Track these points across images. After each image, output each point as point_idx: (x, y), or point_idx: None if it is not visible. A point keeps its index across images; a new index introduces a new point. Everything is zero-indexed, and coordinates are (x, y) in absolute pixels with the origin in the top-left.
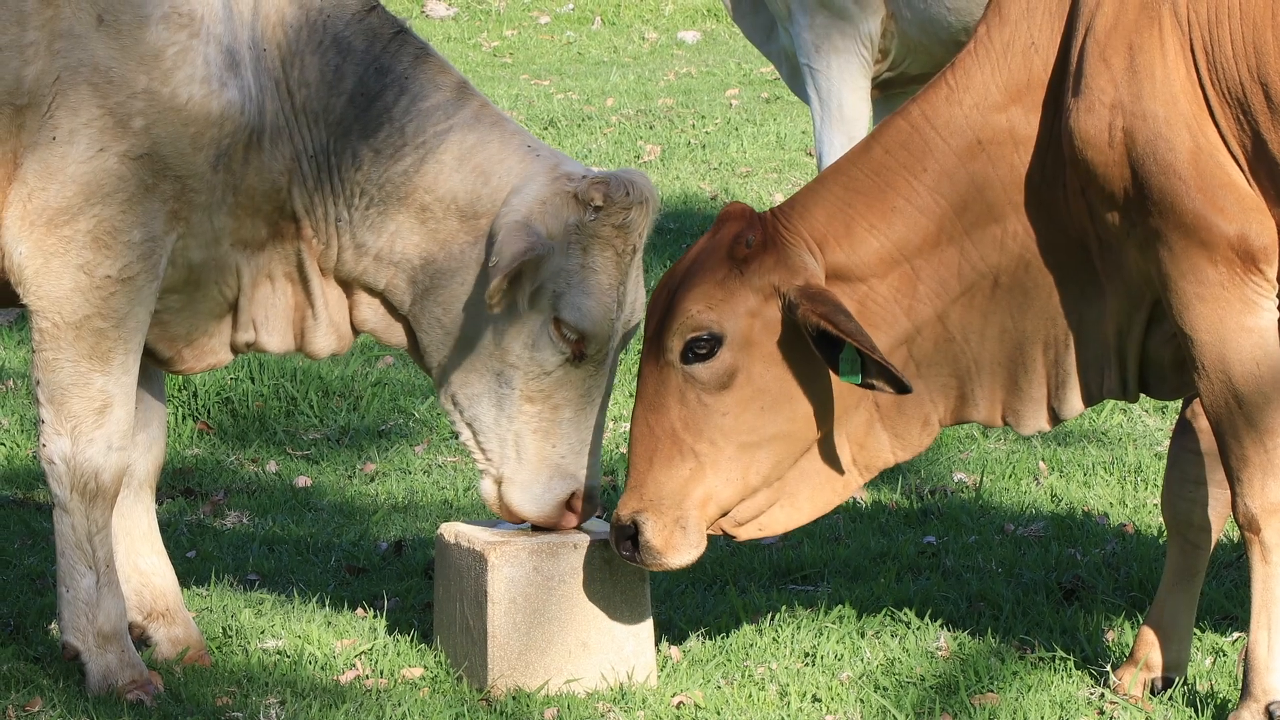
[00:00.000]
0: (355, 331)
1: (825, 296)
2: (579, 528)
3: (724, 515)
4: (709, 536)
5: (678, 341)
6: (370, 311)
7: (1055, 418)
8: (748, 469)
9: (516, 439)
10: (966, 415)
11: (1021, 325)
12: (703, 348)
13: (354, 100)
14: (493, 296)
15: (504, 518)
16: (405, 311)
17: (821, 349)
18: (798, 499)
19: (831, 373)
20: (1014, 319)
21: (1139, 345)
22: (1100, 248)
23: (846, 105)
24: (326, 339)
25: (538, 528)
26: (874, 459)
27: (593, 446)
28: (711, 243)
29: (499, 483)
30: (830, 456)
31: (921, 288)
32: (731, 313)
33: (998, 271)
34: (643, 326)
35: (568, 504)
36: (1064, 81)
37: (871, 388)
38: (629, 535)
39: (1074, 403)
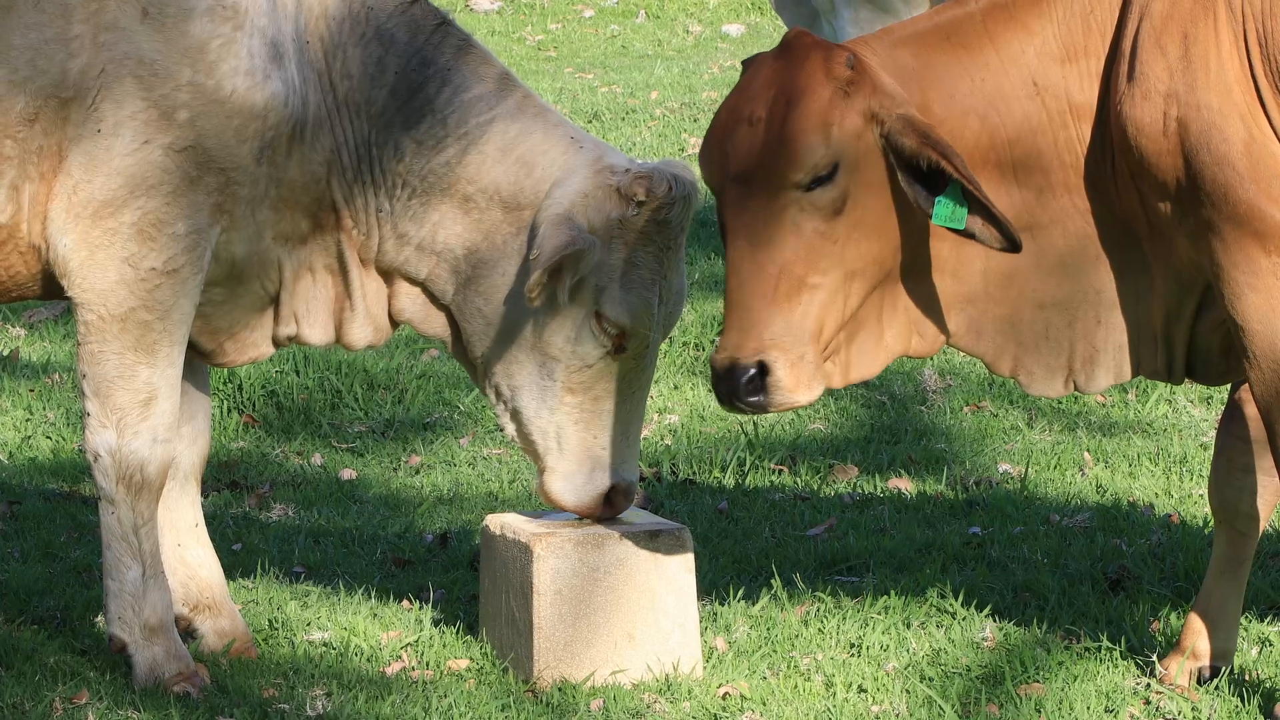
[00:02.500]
0: (394, 323)
1: (936, 132)
2: (621, 519)
3: (825, 349)
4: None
5: (797, 169)
6: (409, 301)
7: (1077, 389)
8: (847, 300)
9: (558, 430)
10: (976, 348)
11: (1049, 290)
12: (825, 172)
13: (396, 92)
14: (532, 290)
15: (546, 504)
16: (447, 301)
17: (913, 185)
18: (851, 351)
19: (915, 228)
20: (1041, 282)
21: (1188, 330)
22: (1150, 233)
23: None
24: (363, 330)
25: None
26: (895, 340)
27: (632, 439)
28: (799, 67)
29: (541, 471)
30: (878, 316)
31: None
32: (844, 136)
33: (1033, 226)
34: (715, 170)
35: (607, 497)
36: (1117, 63)
37: (971, 237)
38: (752, 378)
39: (1100, 380)
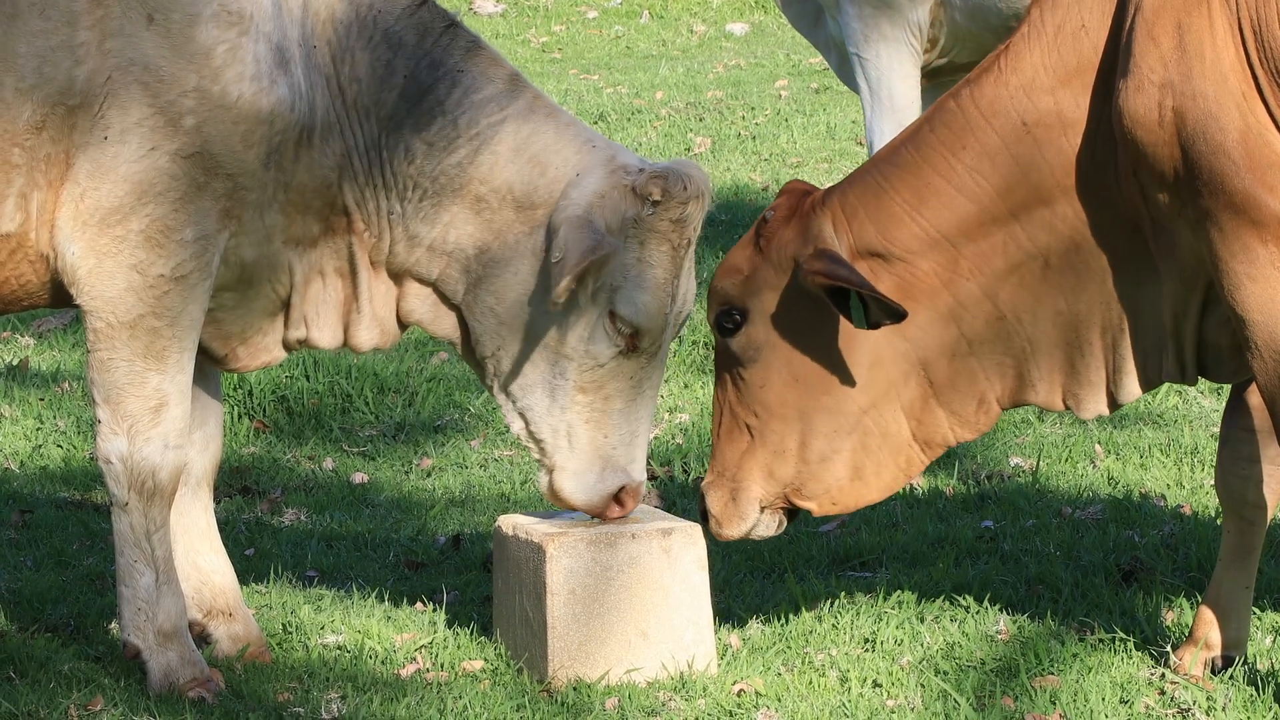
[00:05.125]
0: (402, 326)
1: (823, 253)
2: (632, 517)
3: (789, 488)
4: (804, 514)
5: (711, 316)
6: (418, 302)
7: (1114, 403)
8: (797, 442)
9: (569, 429)
10: (1025, 397)
11: (1075, 308)
12: (730, 322)
13: (405, 94)
14: (559, 297)
15: (554, 504)
16: (458, 301)
17: (837, 304)
18: (863, 473)
19: (872, 347)
20: (1068, 301)
21: (1195, 329)
22: (1154, 230)
23: (897, 94)
24: (370, 333)
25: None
26: (933, 435)
27: (641, 439)
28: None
29: (550, 471)
30: (887, 431)
31: (964, 264)
32: (752, 288)
33: (1048, 253)
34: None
35: (615, 496)
36: (1114, 64)
37: (879, 325)
38: (701, 505)
39: (1131, 388)
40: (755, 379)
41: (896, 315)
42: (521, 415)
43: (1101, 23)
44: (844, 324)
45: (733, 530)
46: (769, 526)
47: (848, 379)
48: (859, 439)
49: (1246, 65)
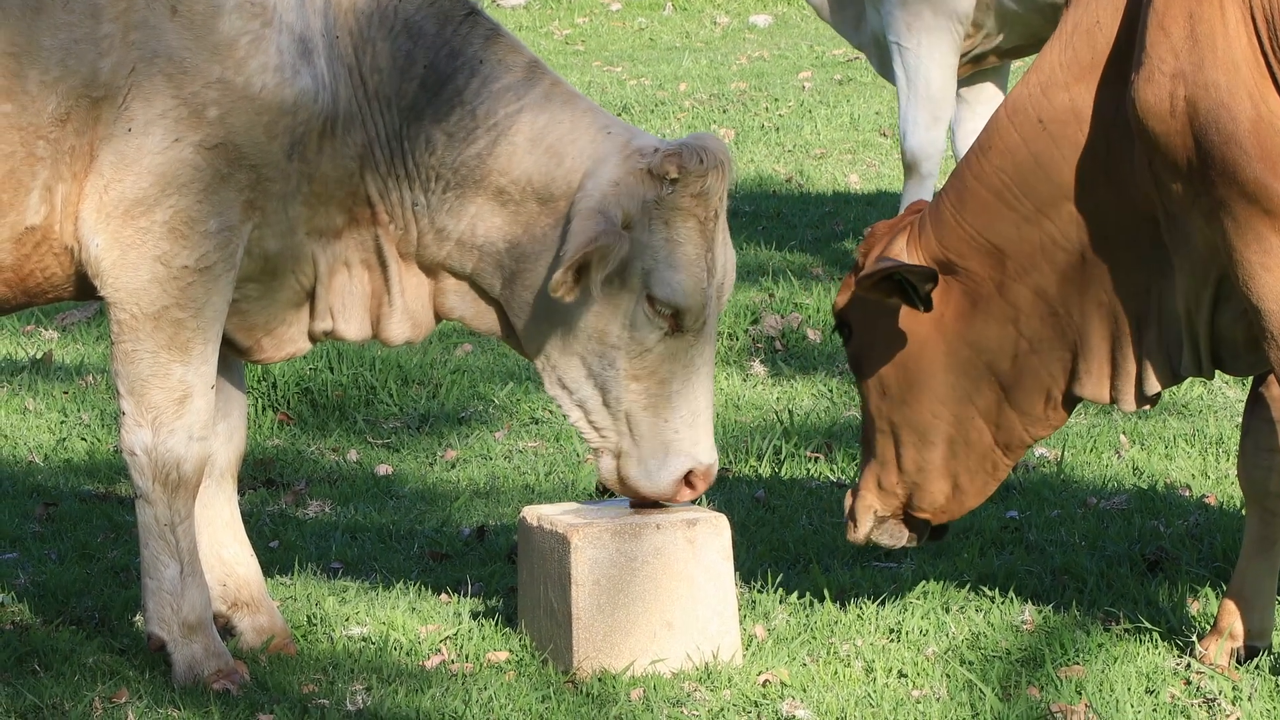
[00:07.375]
0: (437, 318)
1: (874, 261)
2: (658, 507)
3: (902, 499)
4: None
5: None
6: (457, 299)
7: (1142, 396)
8: (893, 453)
9: (628, 417)
10: (1079, 391)
11: (1114, 299)
12: (844, 337)
13: (426, 84)
14: (556, 289)
15: (620, 494)
16: (496, 295)
17: (906, 300)
18: (959, 482)
19: (941, 357)
20: (1108, 293)
21: (1209, 323)
22: (1168, 222)
23: (934, 83)
24: (401, 326)
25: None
26: (1011, 438)
27: (703, 418)
28: None
29: (617, 457)
30: (969, 439)
31: (1010, 265)
32: (851, 306)
33: (1083, 247)
34: None
35: (685, 479)
36: (1128, 57)
37: (930, 301)
38: None
39: (1153, 381)
40: (864, 393)
41: (926, 275)
42: (579, 406)
43: (1114, 17)
44: (914, 338)
45: (852, 535)
46: (895, 537)
47: (923, 390)
48: (946, 449)
49: (1259, 54)
